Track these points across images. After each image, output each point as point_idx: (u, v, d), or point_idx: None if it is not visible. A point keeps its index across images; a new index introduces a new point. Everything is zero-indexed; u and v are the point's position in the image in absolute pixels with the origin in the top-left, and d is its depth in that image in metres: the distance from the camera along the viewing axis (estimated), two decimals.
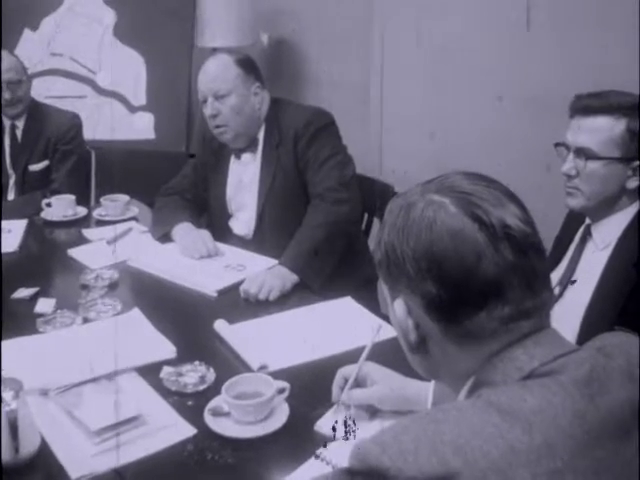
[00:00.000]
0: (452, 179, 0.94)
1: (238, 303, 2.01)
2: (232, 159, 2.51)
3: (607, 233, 1.75)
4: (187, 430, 1.42)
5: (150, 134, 3.98)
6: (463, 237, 0.87)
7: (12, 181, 3.00)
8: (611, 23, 2.40)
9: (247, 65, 2.42)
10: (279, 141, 2.40)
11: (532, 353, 0.87)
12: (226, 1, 3.83)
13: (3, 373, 1.39)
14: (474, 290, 0.87)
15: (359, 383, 1.44)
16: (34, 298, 2.00)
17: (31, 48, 3.84)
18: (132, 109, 3.98)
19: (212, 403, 1.47)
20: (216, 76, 2.38)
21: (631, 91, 1.72)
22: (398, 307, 0.94)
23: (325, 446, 1.15)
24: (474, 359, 0.90)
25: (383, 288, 1.00)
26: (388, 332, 1.72)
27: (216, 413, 1.45)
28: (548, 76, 2.62)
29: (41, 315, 1.89)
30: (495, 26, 2.79)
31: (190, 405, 1.51)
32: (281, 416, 1.44)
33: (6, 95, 2.90)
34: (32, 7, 3.82)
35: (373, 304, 2.20)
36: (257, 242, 2.46)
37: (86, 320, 1.89)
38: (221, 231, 2.52)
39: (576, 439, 0.80)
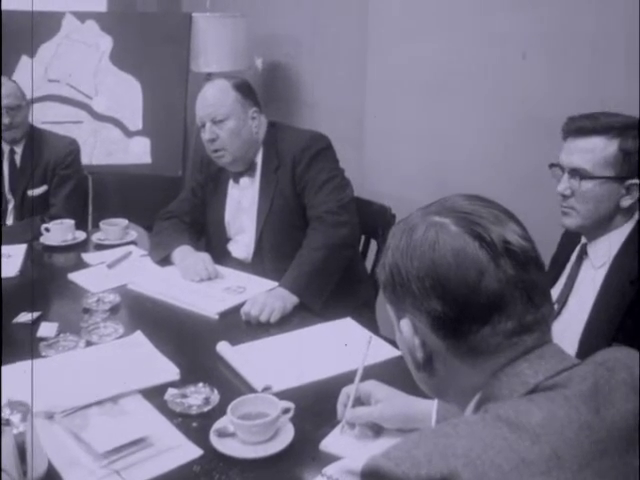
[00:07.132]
0: (451, 201, 0.98)
1: (239, 325, 2.02)
2: (231, 183, 2.53)
3: (603, 252, 1.78)
4: (193, 451, 1.43)
5: (146, 159, 4.00)
6: (465, 255, 0.90)
7: (11, 206, 3.02)
8: (602, 50, 2.45)
9: (244, 89, 2.45)
10: (277, 165, 2.43)
11: (536, 367, 0.89)
12: (220, 26, 3.88)
13: (9, 397, 1.40)
14: (478, 305, 0.90)
15: (363, 401, 1.46)
16: (36, 322, 2.01)
17: (28, 74, 3.87)
18: (128, 134, 4.01)
19: (217, 424, 1.48)
20: (214, 101, 2.41)
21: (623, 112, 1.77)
22: (404, 326, 0.96)
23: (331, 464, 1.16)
24: (480, 375, 0.93)
25: (388, 309, 1.02)
26: (391, 352, 1.76)
27: (222, 434, 1.45)
28: (542, 100, 2.65)
29: (44, 339, 1.90)
30: (491, 51, 2.83)
31: (195, 426, 1.52)
32: (286, 436, 1.45)
33: (5, 120, 2.92)
34: (29, 34, 3.85)
35: (372, 326, 2.21)
36: (256, 265, 2.47)
37: (89, 343, 1.89)
38: (220, 254, 2.54)
39: (583, 450, 0.82)
